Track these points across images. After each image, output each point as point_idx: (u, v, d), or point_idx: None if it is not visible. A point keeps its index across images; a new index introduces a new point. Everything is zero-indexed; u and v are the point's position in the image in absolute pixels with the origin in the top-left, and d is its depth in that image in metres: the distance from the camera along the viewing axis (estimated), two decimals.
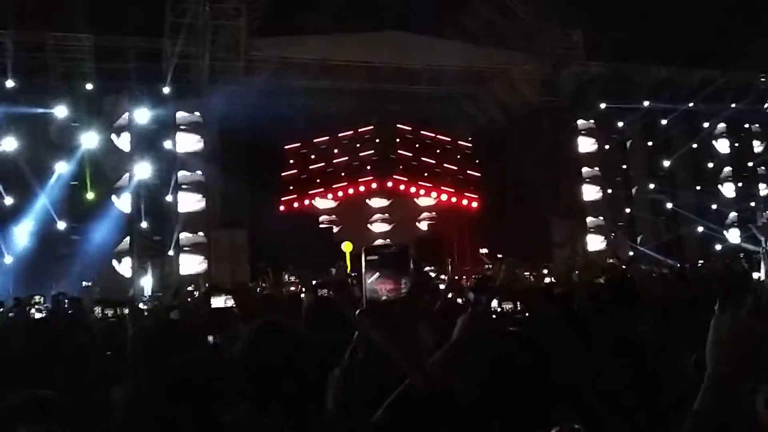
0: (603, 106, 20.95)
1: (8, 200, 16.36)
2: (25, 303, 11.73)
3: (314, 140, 21.98)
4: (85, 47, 17.05)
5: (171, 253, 17.67)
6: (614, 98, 20.87)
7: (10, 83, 16.13)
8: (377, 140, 22.36)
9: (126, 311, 7.36)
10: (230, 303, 5.07)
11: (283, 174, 21.66)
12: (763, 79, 22.82)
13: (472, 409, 2.09)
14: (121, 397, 4.03)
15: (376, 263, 1.76)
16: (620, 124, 21.70)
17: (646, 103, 21.11)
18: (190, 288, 14.00)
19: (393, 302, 1.77)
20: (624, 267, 14.93)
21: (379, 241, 21.65)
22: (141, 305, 10.61)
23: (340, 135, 22.13)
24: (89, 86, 17.09)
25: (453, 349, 2.23)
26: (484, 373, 2.06)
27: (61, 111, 16.68)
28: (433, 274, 15.91)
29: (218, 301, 5.25)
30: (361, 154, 22.30)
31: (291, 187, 21.87)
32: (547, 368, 1.85)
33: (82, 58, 17.08)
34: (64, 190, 17.01)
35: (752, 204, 22.70)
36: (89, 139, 16.96)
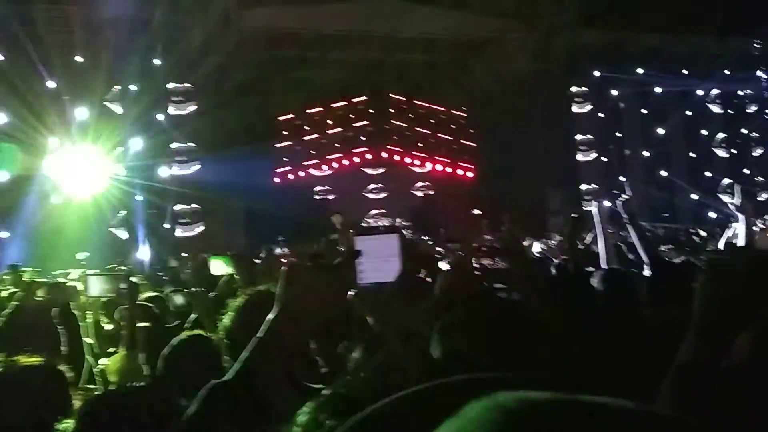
0: (597, 74, 20.85)
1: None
2: None
3: (307, 111, 21.90)
4: (74, 19, 16.83)
5: (167, 225, 17.69)
6: (609, 66, 20.75)
7: None
8: (371, 111, 22.31)
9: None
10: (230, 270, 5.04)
11: (276, 145, 21.62)
12: (756, 45, 22.70)
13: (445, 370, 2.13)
14: None
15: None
16: (614, 92, 21.61)
17: (639, 71, 21.05)
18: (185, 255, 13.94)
19: (384, 286, 1.76)
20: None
21: (373, 212, 21.79)
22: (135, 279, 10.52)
23: (333, 106, 22.04)
24: (79, 59, 16.93)
25: (432, 308, 2.26)
26: (457, 334, 2.10)
27: (51, 85, 16.54)
28: (430, 242, 16.04)
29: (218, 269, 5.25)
30: (354, 125, 22.26)
31: (285, 159, 21.86)
32: (522, 332, 1.88)
33: (71, 31, 16.89)
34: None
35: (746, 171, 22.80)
36: (81, 113, 16.85)
